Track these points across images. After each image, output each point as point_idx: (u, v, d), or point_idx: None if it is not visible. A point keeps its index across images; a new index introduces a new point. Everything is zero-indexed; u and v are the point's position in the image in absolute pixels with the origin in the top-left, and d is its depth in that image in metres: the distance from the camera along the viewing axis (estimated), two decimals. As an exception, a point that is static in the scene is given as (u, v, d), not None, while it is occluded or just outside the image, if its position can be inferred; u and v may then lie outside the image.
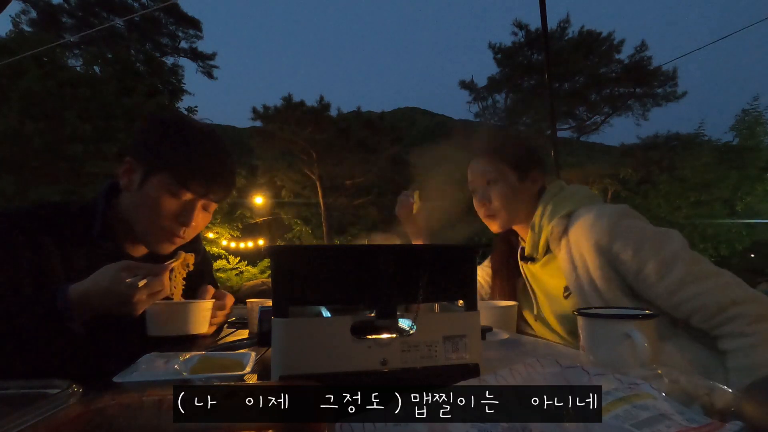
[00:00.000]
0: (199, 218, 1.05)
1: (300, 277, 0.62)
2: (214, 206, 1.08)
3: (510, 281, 1.36)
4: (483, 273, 1.49)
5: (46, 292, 0.85)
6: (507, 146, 1.29)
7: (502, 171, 1.26)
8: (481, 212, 1.31)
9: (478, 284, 1.43)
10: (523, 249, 1.30)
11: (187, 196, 1.00)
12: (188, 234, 1.05)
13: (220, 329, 1.17)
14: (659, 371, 0.54)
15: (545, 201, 1.22)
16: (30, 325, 0.82)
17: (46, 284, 0.92)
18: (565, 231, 1.16)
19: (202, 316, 0.99)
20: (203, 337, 1.03)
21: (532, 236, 1.23)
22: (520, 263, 1.32)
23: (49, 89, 10.93)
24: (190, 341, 1.00)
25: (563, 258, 1.16)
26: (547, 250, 1.22)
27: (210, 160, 1.02)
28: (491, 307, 1.22)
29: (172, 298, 0.99)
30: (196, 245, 1.18)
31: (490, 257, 1.48)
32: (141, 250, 1.10)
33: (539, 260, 1.25)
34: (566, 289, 1.17)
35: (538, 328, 1.29)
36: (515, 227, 1.32)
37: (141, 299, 0.85)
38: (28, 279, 0.92)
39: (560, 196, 1.22)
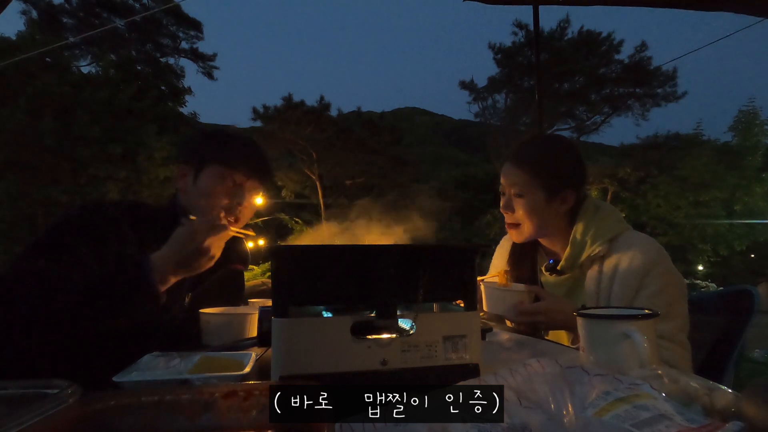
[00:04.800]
0: (249, 201, 1.20)
1: (300, 277, 0.62)
2: (258, 190, 1.23)
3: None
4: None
5: (130, 262, 0.97)
6: (543, 161, 1.22)
7: (531, 185, 1.21)
8: (505, 218, 1.29)
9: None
10: (552, 261, 1.29)
11: (237, 177, 1.16)
12: (243, 213, 1.19)
13: None
14: (659, 371, 0.54)
15: (586, 220, 1.21)
16: (119, 290, 0.92)
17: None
18: (605, 254, 1.18)
19: (253, 324, 1.03)
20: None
21: (571, 251, 1.22)
22: (544, 273, 1.31)
23: (62, 92, 10.99)
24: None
25: (591, 277, 1.18)
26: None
27: (247, 145, 1.21)
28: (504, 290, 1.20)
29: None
30: (245, 253, 1.33)
31: (496, 260, 1.47)
32: None
33: (566, 274, 1.25)
34: (583, 307, 1.17)
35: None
36: (540, 239, 1.32)
37: (213, 254, 1.00)
38: (113, 266, 1.01)
39: (600, 216, 1.21)
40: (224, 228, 1.02)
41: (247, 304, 1.30)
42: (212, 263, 1.02)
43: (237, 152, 1.18)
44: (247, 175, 1.18)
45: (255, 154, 1.21)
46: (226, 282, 1.25)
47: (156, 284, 0.94)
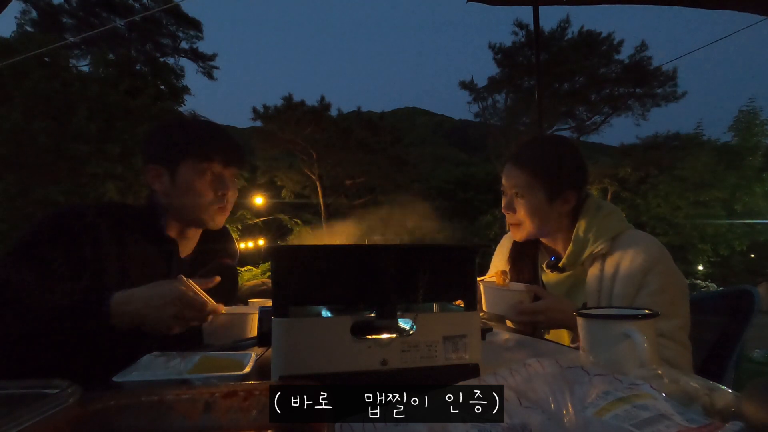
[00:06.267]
0: (233, 189, 1.18)
1: (300, 277, 0.62)
2: (237, 175, 1.20)
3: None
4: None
5: (94, 295, 0.91)
6: (544, 162, 1.22)
7: (532, 187, 1.21)
8: (507, 218, 1.30)
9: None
10: (553, 258, 1.30)
11: (215, 168, 1.13)
12: (229, 201, 1.17)
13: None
14: (659, 371, 0.54)
15: (588, 218, 1.21)
16: (74, 323, 0.89)
17: (104, 278, 1.00)
18: (606, 253, 1.18)
19: (254, 324, 1.03)
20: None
21: (574, 248, 1.22)
22: (545, 270, 1.32)
23: (54, 89, 10.96)
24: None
25: (593, 276, 1.18)
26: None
27: (217, 133, 1.16)
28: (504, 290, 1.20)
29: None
30: (233, 248, 1.31)
31: (496, 259, 1.47)
32: (187, 249, 1.21)
33: (568, 271, 1.25)
34: (584, 306, 1.17)
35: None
36: (541, 238, 1.32)
37: (181, 328, 0.92)
38: (89, 272, 0.99)
39: (602, 215, 1.22)
40: (202, 319, 0.94)
41: (241, 300, 1.29)
42: (170, 330, 0.92)
43: (210, 143, 1.13)
44: (225, 164, 1.14)
45: (227, 141, 1.16)
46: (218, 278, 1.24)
47: (111, 326, 0.88)
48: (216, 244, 1.26)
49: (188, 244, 1.21)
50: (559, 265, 1.26)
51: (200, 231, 1.23)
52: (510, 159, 1.27)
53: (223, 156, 1.13)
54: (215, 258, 1.23)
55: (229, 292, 1.25)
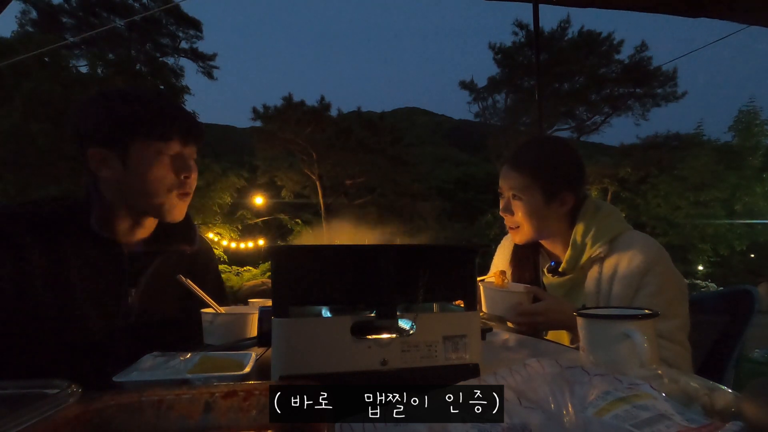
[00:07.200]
0: (194, 168, 1.04)
1: (300, 277, 0.62)
2: (195, 152, 1.06)
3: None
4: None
5: None
6: (541, 164, 1.22)
7: (529, 188, 1.21)
8: (505, 221, 1.30)
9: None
10: (553, 263, 1.30)
11: (173, 147, 0.99)
12: (192, 184, 1.04)
13: None
14: (659, 371, 0.54)
15: (586, 221, 1.21)
16: None
17: (31, 287, 0.91)
18: (605, 255, 1.18)
19: (254, 324, 1.01)
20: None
21: (572, 253, 1.22)
22: (545, 274, 1.32)
23: (54, 89, 10.96)
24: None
25: (592, 278, 1.18)
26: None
27: (170, 105, 1.01)
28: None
29: None
30: (194, 233, 1.15)
31: (498, 261, 1.47)
32: (133, 239, 1.06)
33: (568, 275, 1.25)
34: (583, 306, 1.18)
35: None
36: (540, 241, 1.32)
37: None
38: (9, 282, 0.89)
39: (600, 217, 1.21)
40: None
41: (241, 300, 1.28)
42: None
43: (165, 117, 0.98)
44: (184, 142, 1.00)
45: (184, 115, 1.01)
46: (178, 269, 1.04)
47: None
48: (174, 229, 1.10)
49: (143, 232, 1.07)
50: (559, 269, 1.26)
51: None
52: (507, 161, 1.27)
53: (182, 132, 0.99)
54: (169, 243, 1.09)
55: (202, 283, 1.01)
